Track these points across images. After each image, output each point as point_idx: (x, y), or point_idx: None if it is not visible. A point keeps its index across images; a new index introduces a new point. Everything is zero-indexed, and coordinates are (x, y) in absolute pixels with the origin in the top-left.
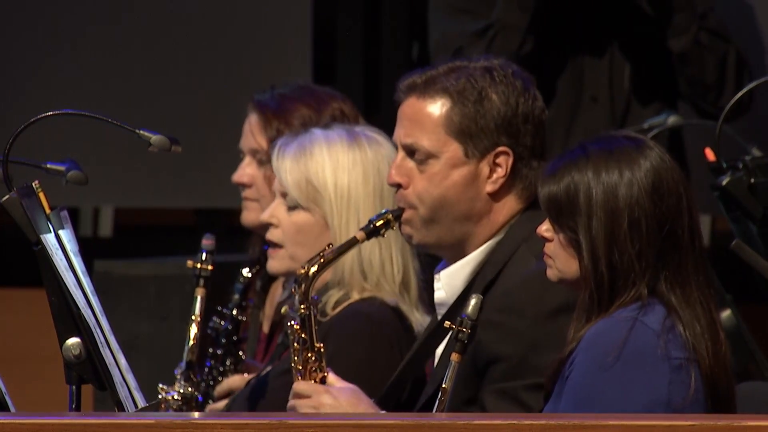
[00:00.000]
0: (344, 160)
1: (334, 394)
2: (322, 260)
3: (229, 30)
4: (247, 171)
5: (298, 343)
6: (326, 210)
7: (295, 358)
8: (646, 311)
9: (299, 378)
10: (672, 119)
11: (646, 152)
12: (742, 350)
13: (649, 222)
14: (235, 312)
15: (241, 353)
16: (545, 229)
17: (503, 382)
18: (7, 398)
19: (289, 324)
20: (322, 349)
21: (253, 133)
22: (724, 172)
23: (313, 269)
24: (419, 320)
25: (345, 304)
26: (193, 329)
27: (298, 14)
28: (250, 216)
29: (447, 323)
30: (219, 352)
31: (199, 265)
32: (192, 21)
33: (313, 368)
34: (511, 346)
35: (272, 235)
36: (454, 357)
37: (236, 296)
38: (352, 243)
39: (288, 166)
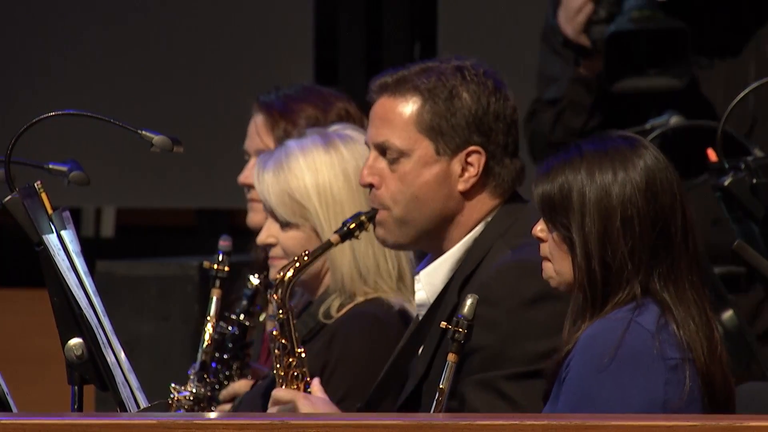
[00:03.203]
0: (322, 166)
1: (312, 401)
2: (296, 265)
3: (230, 30)
4: (253, 172)
5: (278, 349)
6: (314, 222)
7: (277, 364)
8: (641, 311)
9: (281, 384)
10: (674, 119)
11: (640, 152)
12: (744, 350)
13: (642, 220)
14: (242, 317)
15: (247, 358)
16: (539, 229)
17: (482, 373)
18: (9, 398)
19: (269, 331)
20: (303, 354)
21: (259, 133)
22: (726, 173)
23: (289, 274)
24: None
25: (350, 305)
26: (209, 330)
27: (299, 14)
28: (255, 217)
29: (443, 324)
30: (225, 356)
31: (215, 266)
32: (194, 21)
33: (295, 373)
34: (488, 336)
35: (274, 253)
36: (451, 357)
37: (244, 302)
38: (327, 246)
39: (269, 186)
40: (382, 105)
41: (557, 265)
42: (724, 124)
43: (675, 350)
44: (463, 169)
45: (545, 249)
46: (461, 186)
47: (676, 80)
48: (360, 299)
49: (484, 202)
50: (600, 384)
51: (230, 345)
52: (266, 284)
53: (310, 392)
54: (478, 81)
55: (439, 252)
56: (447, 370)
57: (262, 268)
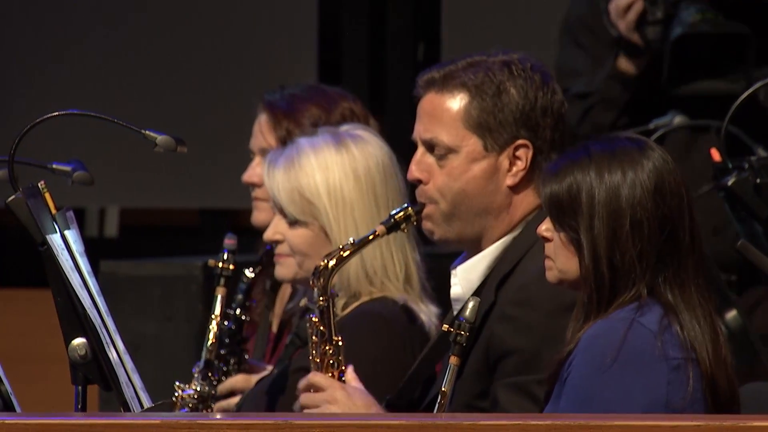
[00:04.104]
0: (333, 165)
1: (348, 391)
2: (341, 254)
3: (234, 30)
4: (257, 171)
5: (316, 336)
6: (323, 221)
7: (313, 351)
8: (643, 311)
9: (317, 371)
10: (678, 119)
11: (648, 153)
12: (748, 351)
13: (651, 223)
14: (238, 312)
15: (245, 353)
16: (545, 228)
17: (516, 376)
18: (13, 398)
19: (308, 317)
20: (340, 343)
21: (263, 132)
22: (729, 173)
23: (332, 262)
24: (425, 311)
25: (355, 304)
26: (213, 328)
27: (303, 14)
28: (260, 216)
29: (445, 327)
30: (222, 351)
31: (221, 265)
32: (197, 21)
33: (331, 361)
34: (525, 339)
35: (280, 250)
36: (453, 360)
37: (240, 296)
38: (372, 237)
39: (279, 183)
40: (429, 101)
41: (561, 264)
42: (728, 124)
43: (678, 350)
44: (511, 164)
45: (550, 248)
46: (509, 180)
47: (735, 85)
48: (365, 298)
49: (529, 201)
50: (602, 384)
51: (227, 340)
52: (273, 280)
53: (344, 381)
54: (526, 76)
55: (478, 250)
56: (449, 372)
57: (257, 263)
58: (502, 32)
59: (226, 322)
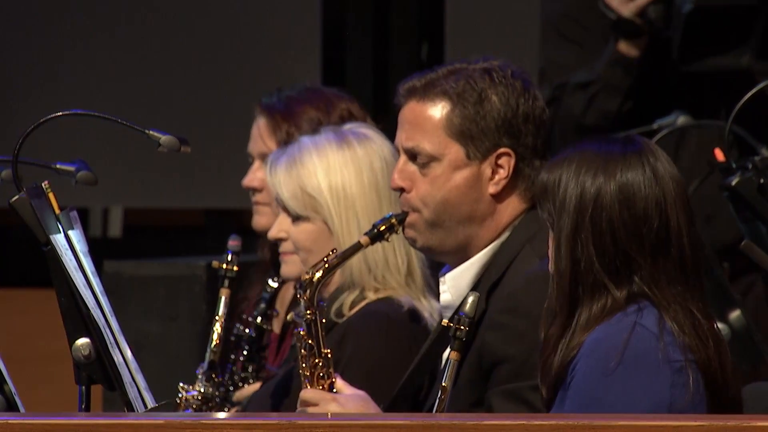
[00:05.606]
0: (335, 161)
1: (341, 402)
2: (326, 265)
3: (238, 31)
4: (257, 175)
5: (305, 349)
6: (326, 215)
7: (303, 364)
8: (643, 314)
9: (307, 384)
10: (682, 119)
11: (629, 160)
12: (751, 351)
13: (615, 224)
14: (259, 320)
15: (264, 361)
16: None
17: (509, 383)
18: (17, 398)
19: (296, 330)
20: (329, 355)
21: (262, 136)
22: (733, 173)
23: (318, 275)
24: (428, 307)
25: (362, 304)
26: (217, 329)
27: (307, 15)
28: (261, 220)
29: (445, 322)
30: (241, 358)
31: (224, 266)
32: (201, 22)
33: (321, 374)
34: (516, 346)
35: (284, 248)
36: (453, 355)
37: (262, 305)
38: (357, 248)
39: (281, 180)
40: (411, 109)
41: (550, 252)
42: (732, 124)
43: (679, 352)
44: (494, 172)
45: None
46: (492, 189)
47: (739, 60)
48: (371, 297)
49: (514, 206)
50: (606, 388)
51: (246, 347)
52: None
53: (335, 392)
54: (507, 83)
55: (462, 260)
56: (449, 368)
57: (270, 268)
58: (505, 32)
59: (247, 330)
